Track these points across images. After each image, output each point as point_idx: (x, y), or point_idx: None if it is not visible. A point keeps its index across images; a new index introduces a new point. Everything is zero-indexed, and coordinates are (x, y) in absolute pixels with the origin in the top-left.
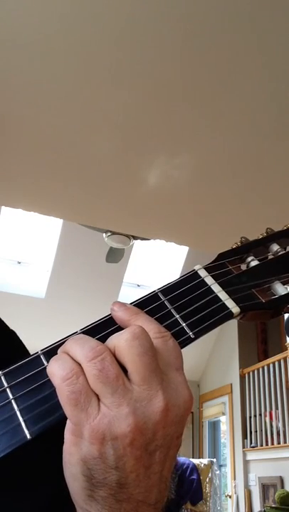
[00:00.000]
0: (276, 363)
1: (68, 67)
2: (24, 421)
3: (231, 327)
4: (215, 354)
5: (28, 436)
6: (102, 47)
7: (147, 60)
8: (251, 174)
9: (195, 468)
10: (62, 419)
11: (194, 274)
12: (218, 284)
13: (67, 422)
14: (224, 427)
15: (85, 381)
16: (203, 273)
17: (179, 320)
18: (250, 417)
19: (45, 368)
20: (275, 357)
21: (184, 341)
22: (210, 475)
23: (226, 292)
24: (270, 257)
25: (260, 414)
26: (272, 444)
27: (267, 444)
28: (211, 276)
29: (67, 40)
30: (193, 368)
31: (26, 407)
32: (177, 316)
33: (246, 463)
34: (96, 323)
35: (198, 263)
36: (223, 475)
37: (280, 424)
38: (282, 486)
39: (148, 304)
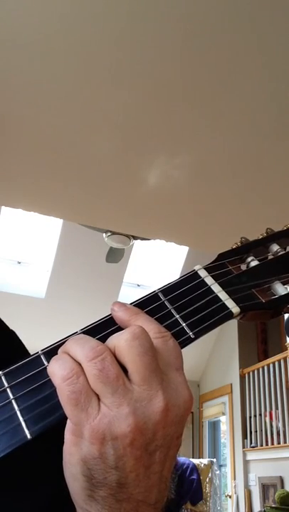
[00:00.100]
0: (276, 363)
1: (68, 67)
2: (24, 421)
3: (231, 327)
4: (215, 354)
5: (29, 436)
6: (102, 47)
7: (147, 60)
8: (251, 174)
9: (195, 468)
10: (63, 419)
11: (194, 274)
12: (218, 284)
13: (68, 422)
14: (224, 427)
15: (85, 381)
16: (203, 273)
17: (179, 320)
18: (250, 417)
19: (45, 368)
20: (275, 357)
21: (184, 341)
22: (210, 475)
23: (226, 292)
24: (270, 257)
25: (260, 414)
26: (272, 444)
27: (267, 444)
28: (211, 276)
29: (67, 40)
30: (193, 368)
31: (26, 407)
32: (177, 316)
33: (246, 463)
34: (96, 323)
35: (198, 263)
36: (223, 475)
37: (280, 424)
38: (282, 486)
39: (148, 304)
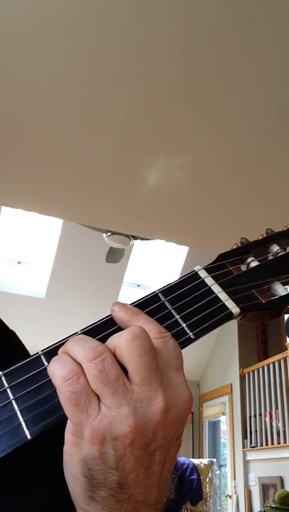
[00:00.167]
0: (276, 363)
1: (68, 67)
2: (24, 421)
3: (231, 327)
4: (215, 354)
5: (29, 437)
6: (102, 47)
7: (147, 60)
8: (251, 174)
9: (195, 468)
10: (63, 420)
11: (194, 275)
12: (219, 284)
13: (68, 422)
14: (224, 427)
15: (85, 381)
16: (203, 274)
17: (179, 320)
18: (250, 417)
19: (45, 368)
20: (275, 357)
21: (184, 342)
22: (210, 475)
23: (226, 293)
24: (270, 257)
25: (260, 414)
26: (272, 444)
27: (267, 444)
28: (211, 276)
29: (67, 40)
30: (193, 368)
31: (27, 407)
32: (177, 316)
33: (246, 463)
34: (96, 323)
35: (198, 263)
36: (223, 475)
37: (280, 424)
38: (282, 486)
39: (148, 305)
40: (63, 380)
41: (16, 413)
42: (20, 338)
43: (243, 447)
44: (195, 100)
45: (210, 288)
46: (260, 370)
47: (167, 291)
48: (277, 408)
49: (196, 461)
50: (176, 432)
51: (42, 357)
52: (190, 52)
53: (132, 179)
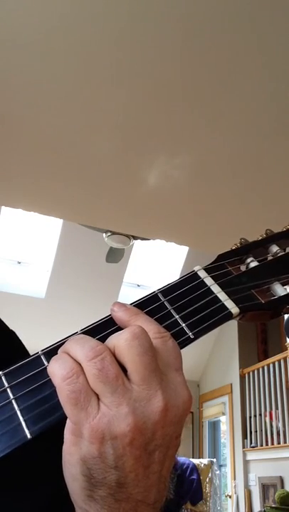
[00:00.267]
0: (276, 363)
1: (68, 67)
2: (24, 421)
3: (231, 327)
4: (215, 354)
5: (29, 436)
6: (102, 47)
7: (147, 60)
8: (251, 174)
9: (195, 468)
10: (63, 419)
11: (194, 275)
12: (218, 284)
13: (67, 421)
14: (224, 427)
15: (85, 380)
16: (202, 274)
17: (179, 320)
18: (250, 417)
19: (45, 368)
20: (275, 357)
21: (183, 342)
22: (210, 475)
23: (226, 293)
24: (270, 258)
25: (260, 414)
26: (272, 444)
27: (267, 444)
28: (210, 277)
29: (67, 40)
30: (193, 368)
31: (27, 406)
32: (177, 316)
33: (246, 463)
34: (96, 323)
35: (198, 263)
36: (223, 475)
37: (280, 424)
38: (282, 486)
39: (148, 305)
40: (63, 379)
41: (16, 413)
42: (20, 338)
43: (243, 447)
44: (195, 100)
45: (209, 288)
46: (260, 370)
47: (167, 291)
48: (277, 408)
49: (196, 461)
50: (175, 432)
51: (42, 357)
52: (190, 52)
53: (132, 179)
